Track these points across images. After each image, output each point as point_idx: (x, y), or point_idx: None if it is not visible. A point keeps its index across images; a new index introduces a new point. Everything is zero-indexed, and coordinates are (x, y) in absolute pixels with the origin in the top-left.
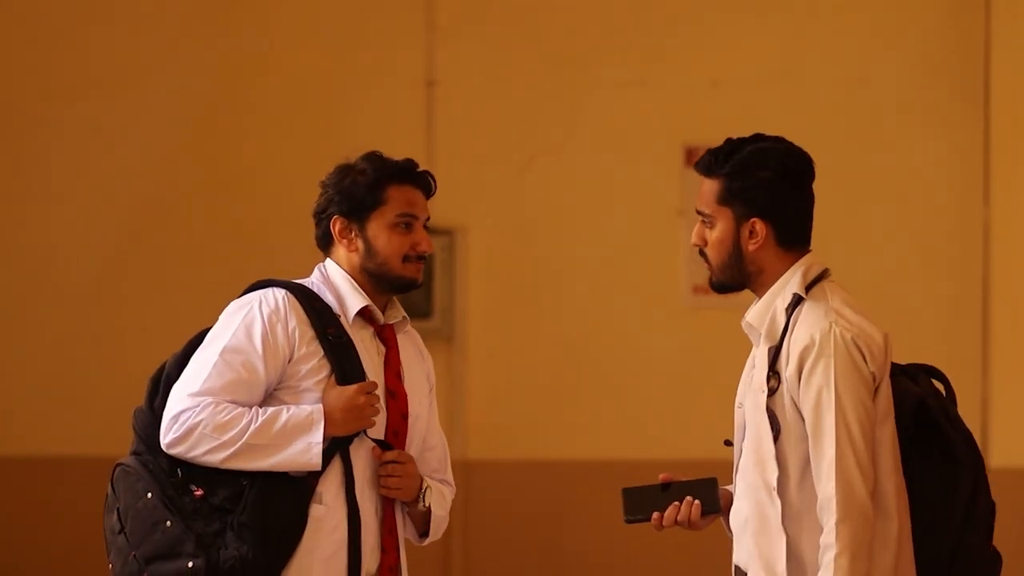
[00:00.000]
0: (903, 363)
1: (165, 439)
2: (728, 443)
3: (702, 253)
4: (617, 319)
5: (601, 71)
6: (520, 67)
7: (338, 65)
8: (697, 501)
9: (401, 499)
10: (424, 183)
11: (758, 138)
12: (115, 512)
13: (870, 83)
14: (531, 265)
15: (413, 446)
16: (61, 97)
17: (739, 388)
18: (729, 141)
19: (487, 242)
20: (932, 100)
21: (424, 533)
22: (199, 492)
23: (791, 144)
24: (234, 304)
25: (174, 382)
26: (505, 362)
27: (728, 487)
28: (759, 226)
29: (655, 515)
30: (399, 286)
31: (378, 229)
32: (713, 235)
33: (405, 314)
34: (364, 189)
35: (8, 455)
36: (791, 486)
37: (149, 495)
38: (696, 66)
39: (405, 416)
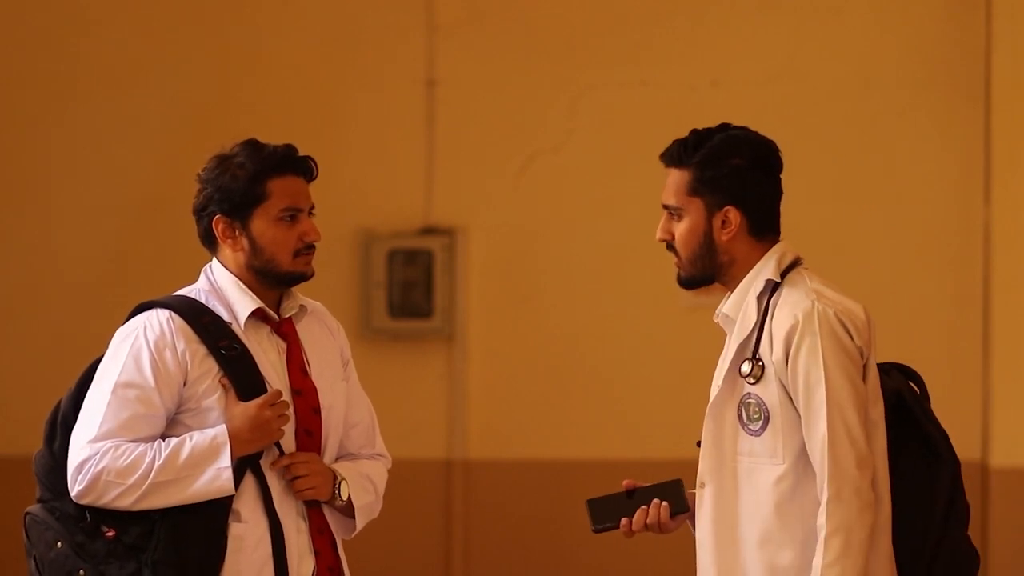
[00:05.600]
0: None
1: (73, 492)
2: (700, 444)
3: (670, 247)
4: (617, 319)
5: (601, 71)
6: (520, 67)
7: (338, 65)
8: (665, 503)
9: (318, 498)
10: (305, 169)
11: (725, 127)
12: (32, 559)
13: (870, 83)
14: (531, 265)
15: (330, 438)
16: (61, 97)
17: (713, 384)
18: (695, 131)
19: (487, 242)
20: (932, 100)
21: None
22: (111, 533)
23: (758, 134)
24: (119, 333)
25: (71, 422)
26: (505, 362)
27: (694, 490)
28: (732, 215)
29: (623, 521)
30: (289, 281)
31: (263, 226)
32: (681, 227)
33: (303, 302)
34: (243, 185)
35: (8, 455)
36: (787, 475)
37: (59, 544)
38: (696, 66)
39: (317, 410)
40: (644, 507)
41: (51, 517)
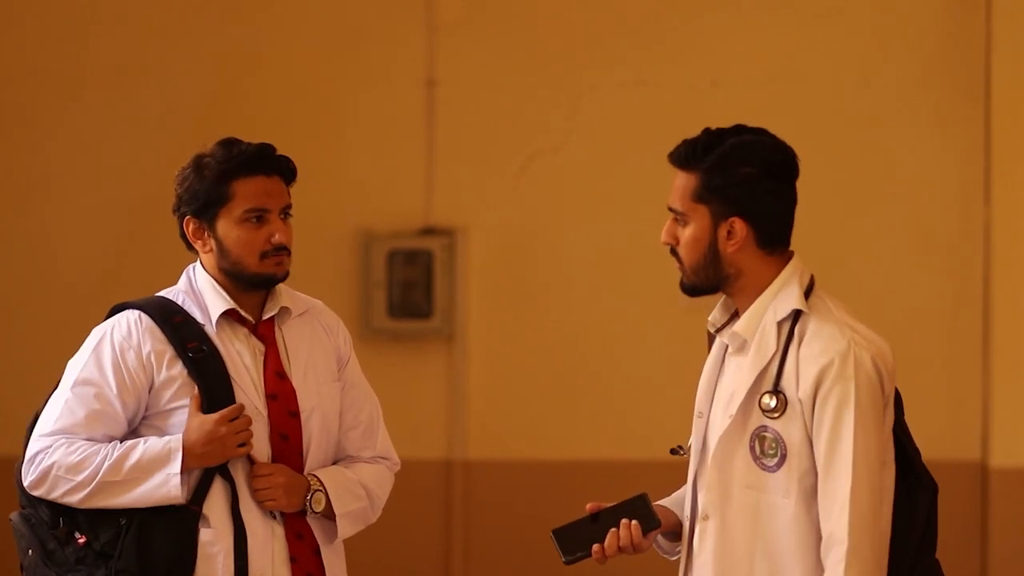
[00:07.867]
0: None
1: (25, 482)
2: (675, 451)
3: (673, 252)
4: (617, 319)
5: (601, 71)
6: (520, 67)
7: (338, 65)
8: (635, 522)
9: (281, 509)
10: (279, 169)
11: (740, 130)
12: (21, 564)
13: (870, 83)
14: (531, 265)
15: (313, 442)
16: (61, 97)
17: (699, 396)
18: (708, 132)
19: (487, 242)
20: (932, 100)
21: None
22: (82, 539)
23: (775, 138)
24: (92, 333)
25: None
26: (505, 362)
27: (660, 502)
28: (738, 226)
29: (595, 548)
30: (259, 283)
31: (227, 227)
32: (686, 234)
33: (291, 304)
34: (208, 186)
35: (8, 455)
36: (800, 516)
37: (30, 552)
38: (696, 66)
39: (295, 414)
40: (615, 529)
41: (25, 525)
